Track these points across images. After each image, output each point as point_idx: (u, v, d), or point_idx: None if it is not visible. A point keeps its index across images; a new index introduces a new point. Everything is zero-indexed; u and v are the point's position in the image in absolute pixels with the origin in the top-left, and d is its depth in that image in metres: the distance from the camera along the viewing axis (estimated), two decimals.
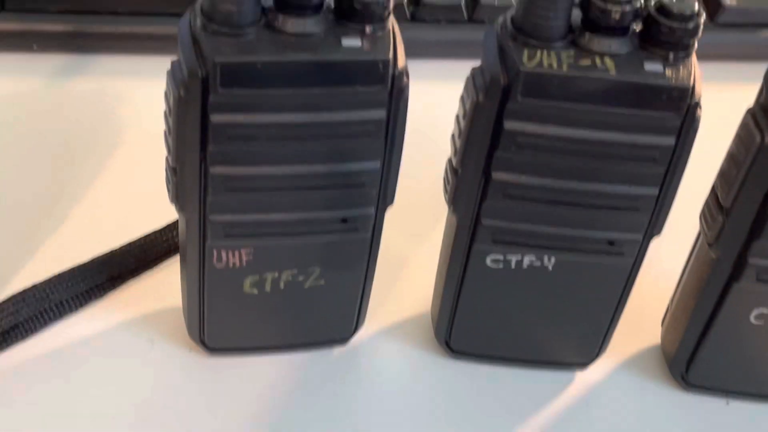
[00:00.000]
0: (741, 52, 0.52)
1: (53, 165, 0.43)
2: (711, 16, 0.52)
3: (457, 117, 0.32)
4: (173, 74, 0.29)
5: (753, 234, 0.32)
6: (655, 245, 0.34)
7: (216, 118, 0.29)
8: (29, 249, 0.39)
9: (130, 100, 0.46)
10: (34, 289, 0.36)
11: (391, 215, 0.34)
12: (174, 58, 0.29)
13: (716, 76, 0.45)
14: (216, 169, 0.30)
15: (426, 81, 0.44)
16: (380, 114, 0.30)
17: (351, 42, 0.29)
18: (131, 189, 0.42)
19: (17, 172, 0.42)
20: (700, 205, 0.34)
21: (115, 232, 0.39)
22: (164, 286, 0.38)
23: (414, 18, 0.50)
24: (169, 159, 0.31)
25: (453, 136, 0.32)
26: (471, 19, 0.50)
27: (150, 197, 0.37)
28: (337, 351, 0.37)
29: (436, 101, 0.42)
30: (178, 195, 0.31)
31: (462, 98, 0.31)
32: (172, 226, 0.39)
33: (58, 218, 0.40)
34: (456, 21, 0.50)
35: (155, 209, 0.37)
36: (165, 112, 0.30)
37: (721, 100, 0.40)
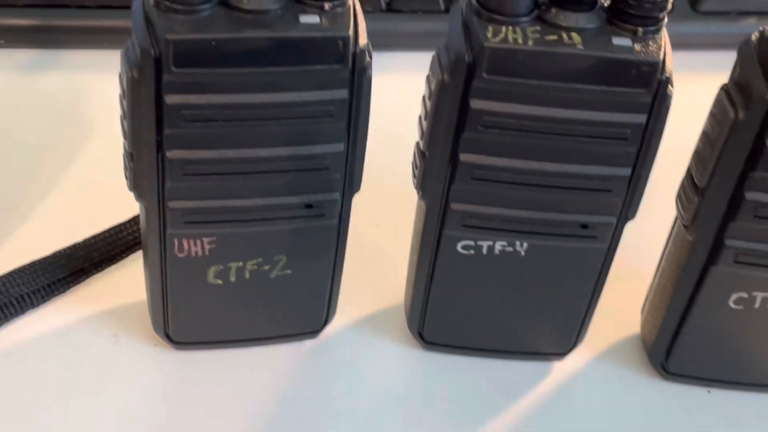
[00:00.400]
0: (722, 40, 0.51)
1: (19, 159, 0.42)
2: (693, 5, 0.51)
3: (424, 98, 0.31)
4: (126, 55, 0.28)
5: (729, 214, 0.31)
6: (634, 231, 0.33)
7: (170, 99, 0.28)
8: None
9: (98, 94, 0.45)
10: None
11: (364, 203, 0.33)
12: None
13: (698, 65, 0.45)
14: (173, 153, 0.29)
15: (402, 72, 0.43)
16: (342, 94, 0.29)
17: (309, 18, 0.28)
18: (98, 183, 0.41)
19: None
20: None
21: (81, 226, 0.38)
22: (129, 280, 0.37)
23: (390, 8, 0.49)
24: (126, 144, 0.30)
25: (420, 117, 0.31)
26: (448, 10, 0.49)
27: (117, 191, 0.36)
28: (308, 344, 0.37)
29: (413, 93, 0.41)
30: (135, 181, 0.31)
31: (428, 78, 0.31)
32: (137, 219, 0.38)
33: (22, 212, 0.40)
34: (433, 11, 0.49)
35: (122, 203, 0.36)
36: (120, 96, 0.29)
37: (703, 88, 0.39)
